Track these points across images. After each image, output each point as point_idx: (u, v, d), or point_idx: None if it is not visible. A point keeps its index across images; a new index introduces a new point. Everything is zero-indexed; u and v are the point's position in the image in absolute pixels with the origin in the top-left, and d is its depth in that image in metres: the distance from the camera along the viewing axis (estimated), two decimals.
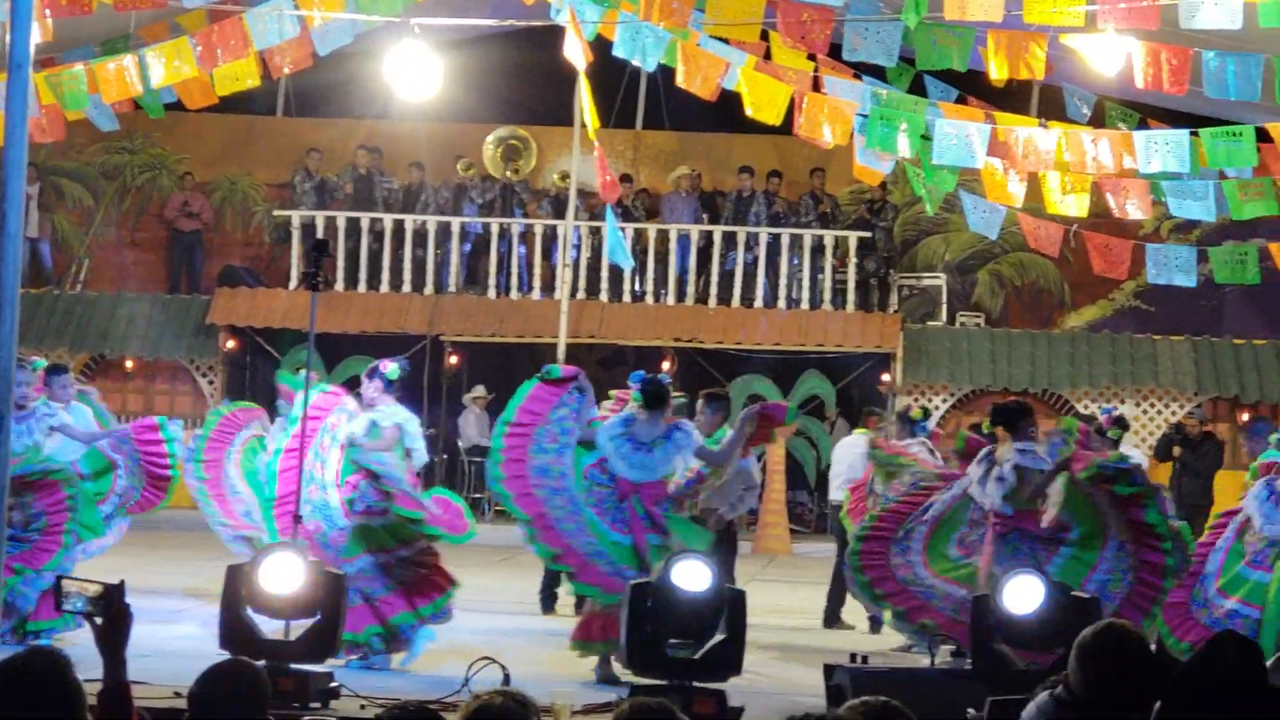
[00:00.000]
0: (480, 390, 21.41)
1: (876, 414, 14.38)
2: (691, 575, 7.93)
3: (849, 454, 13.57)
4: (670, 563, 8.02)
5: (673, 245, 21.94)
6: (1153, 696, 4.84)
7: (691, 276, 21.89)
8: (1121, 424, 12.63)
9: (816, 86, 13.97)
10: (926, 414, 12.82)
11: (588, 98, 12.89)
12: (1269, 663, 7.59)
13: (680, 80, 13.25)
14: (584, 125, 12.82)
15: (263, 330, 21.92)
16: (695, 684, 7.87)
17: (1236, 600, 10.72)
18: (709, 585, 7.88)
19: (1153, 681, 4.82)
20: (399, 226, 22.08)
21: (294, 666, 8.14)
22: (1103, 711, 4.75)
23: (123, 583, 4.46)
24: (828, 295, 21.80)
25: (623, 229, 21.58)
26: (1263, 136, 13.25)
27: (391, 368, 10.53)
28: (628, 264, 17.17)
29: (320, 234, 21.40)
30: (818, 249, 21.86)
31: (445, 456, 21.81)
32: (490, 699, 3.96)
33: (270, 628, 8.72)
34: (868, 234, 21.95)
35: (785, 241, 21.83)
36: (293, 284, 21.91)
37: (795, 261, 21.91)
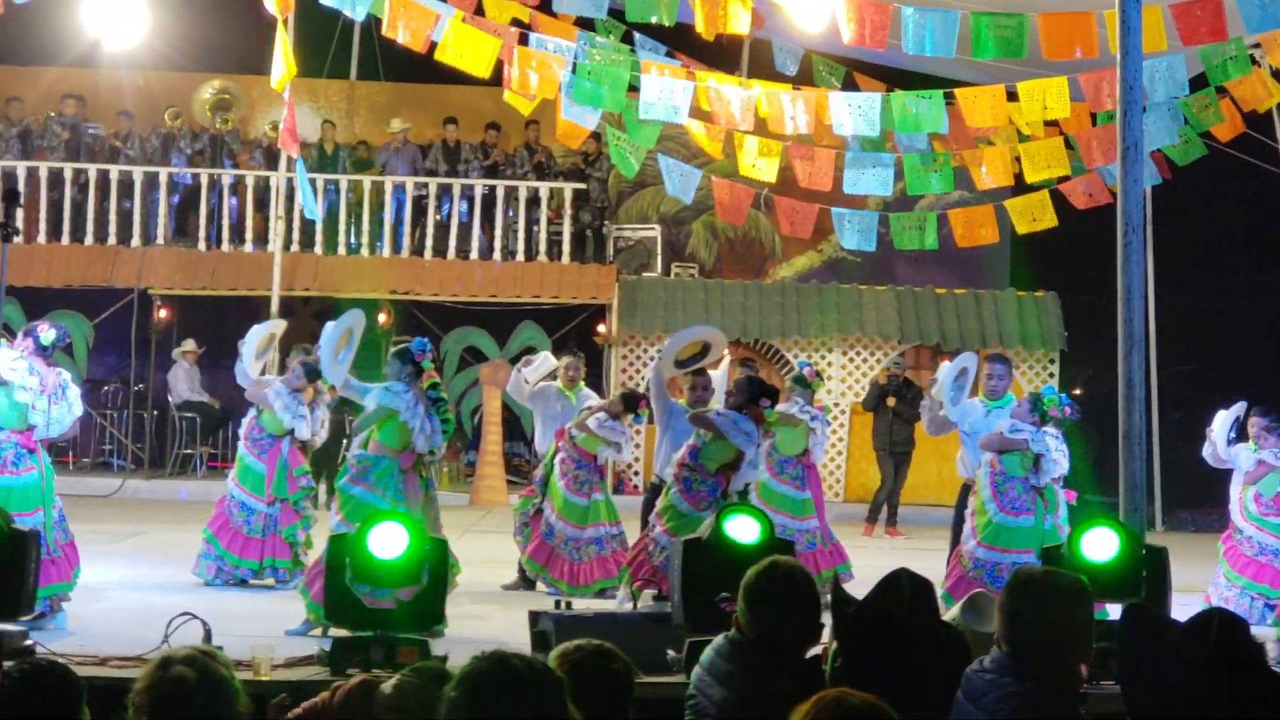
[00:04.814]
0: (190, 344, 21.00)
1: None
2: (388, 537, 7.95)
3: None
4: (366, 526, 8.02)
5: (388, 197, 21.79)
6: (818, 632, 4.96)
7: (407, 229, 21.78)
8: (818, 377, 13.34)
9: (526, 41, 14.00)
10: None
11: (281, 47, 12.68)
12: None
13: (386, 30, 13.15)
14: (285, 75, 12.54)
15: None
16: (398, 634, 7.90)
17: (1016, 552, 10.78)
18: (406, 544, 7.90)
19: (819, 617, 4.92)
20: (104, 177, 21.51)
21: None
22: (773, 650, 4.81)
23: None
24: (543, 247, 21.90)
25: (334, 180, 21.45)
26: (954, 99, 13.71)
27: (48, 332, 10.16)
28: (313, 214, 16.99)
29: (23, 184, 20.75)
30: (533, 201, 21.93)
31: (156, 412, 21.38)
32: (176, 650, 3.95)
33: None
34: (582, 185, 22.08)
35: (501, 193, 21.86)
36: None
37: (511, 213, 21.96)
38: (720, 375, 12.92)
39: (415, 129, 22.85)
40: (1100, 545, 8.43)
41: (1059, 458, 11.08)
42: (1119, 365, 9.09)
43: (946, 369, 12.24)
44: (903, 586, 4.80)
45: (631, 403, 12.47)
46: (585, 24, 14.81)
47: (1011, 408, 11.49)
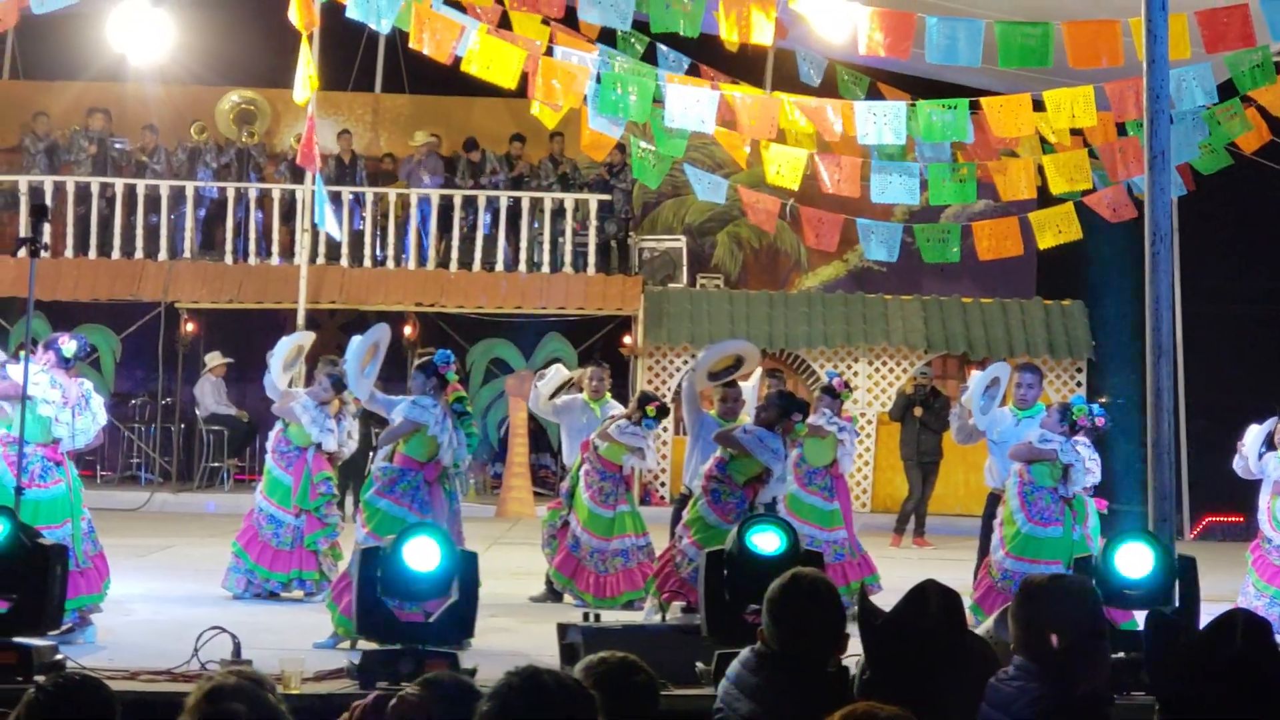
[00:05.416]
0: (217, 357, 21.05)
1: None
2: (422, 550, 7.92)
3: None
4: (400, 538, 8.00)
5: (413, 210, 21.83)
6: (843, 644, 4.93)
7: (432, 241, 21.80)
8: (847, 388, 13.38)
9: (551, 53, 14.03)
10: None
11: (305, 62, 12.73)
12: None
13: (412, 43, 13.20)
14: (308, 89, 12.61)
15: None
16: (428, 647, 7.89)
17: (1045, 563, 10.68)
18: (439, 557, 7.88)
19: (843, 629, 4.89)
20: (131, 191, 21.58)
21: (16, 640, 7.92)
22: (798, 663, 4.77)
23: None
24: (568, 258, 21.90)
25: (357, 194, 21.51)
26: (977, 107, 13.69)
27: (69, 344, 10.16)
28: (333, 231, 17.03)
29: (50, 199, 20.84)
30: (558, 212, 21.94)
31: (183, 426, 21.43)
32: (224, 679, 3.86)
33: None
34: (607, 197, 22.08)
35: (526, 205, 21.88)
36: (21, 252, 21.25)
37: (536, 225, 21.97)
38: (751, 387, 12.91)
39: (439, 142, 22.90)
40: (1134, 560, 8.35)
41: (1092, 466, 11.04)
42: (1147, 374, 9.05)
43: (978, 377, 12.21)
44: (930, 598, 4.77)
45: (644, 402, 12.46)
46: (606, 40, 14.84)
47: (1041, 417, 11.45)
